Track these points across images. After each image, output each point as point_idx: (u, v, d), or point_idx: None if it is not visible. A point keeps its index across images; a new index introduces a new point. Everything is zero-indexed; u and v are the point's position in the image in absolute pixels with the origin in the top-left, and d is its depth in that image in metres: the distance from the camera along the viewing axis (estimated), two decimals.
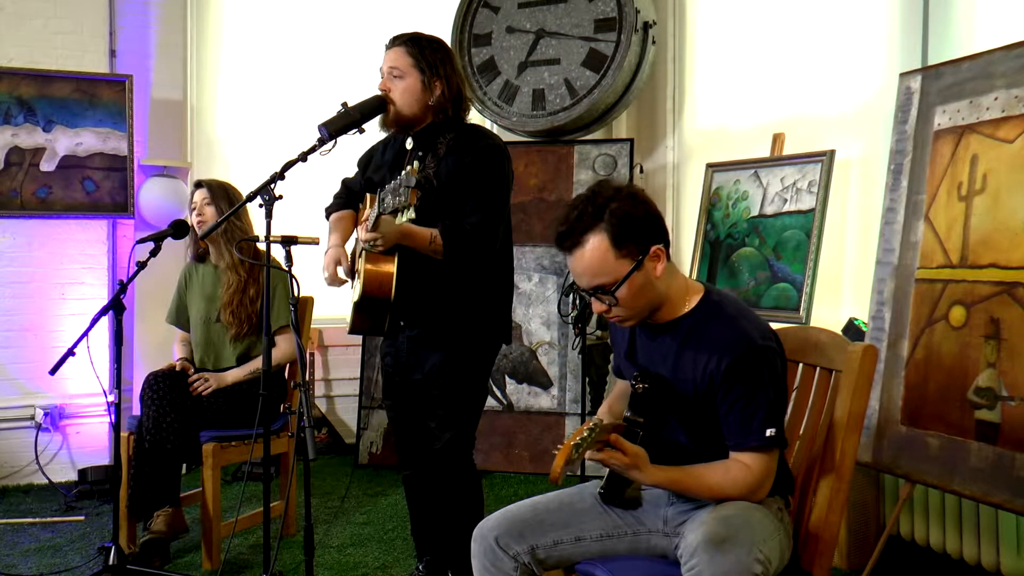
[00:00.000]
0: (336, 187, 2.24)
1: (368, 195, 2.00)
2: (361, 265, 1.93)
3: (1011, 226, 1.97)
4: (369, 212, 1.89)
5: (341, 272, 2.00)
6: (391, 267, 1.89)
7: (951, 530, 2.24)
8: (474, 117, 2.10)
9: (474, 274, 1.97)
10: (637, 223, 1.43)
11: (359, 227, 1.93)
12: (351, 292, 2.04)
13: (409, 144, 2.03)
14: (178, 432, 2.44)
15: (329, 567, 2.50)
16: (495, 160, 1.94)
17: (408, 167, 1.70)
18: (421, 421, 2.07)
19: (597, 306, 1.48)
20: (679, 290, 1.50)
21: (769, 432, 1.40)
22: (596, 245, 1.42)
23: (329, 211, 2.17)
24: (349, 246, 2.10)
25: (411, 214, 1.70)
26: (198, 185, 2.65)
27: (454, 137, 1.97)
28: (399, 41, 1.98)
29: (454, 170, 1.93)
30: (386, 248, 1.87)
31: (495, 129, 3.75)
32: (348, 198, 2.17)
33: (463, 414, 2.01)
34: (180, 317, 2.72)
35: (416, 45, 1.96)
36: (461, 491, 2.02)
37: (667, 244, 1.47)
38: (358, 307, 1.95)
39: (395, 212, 1.74)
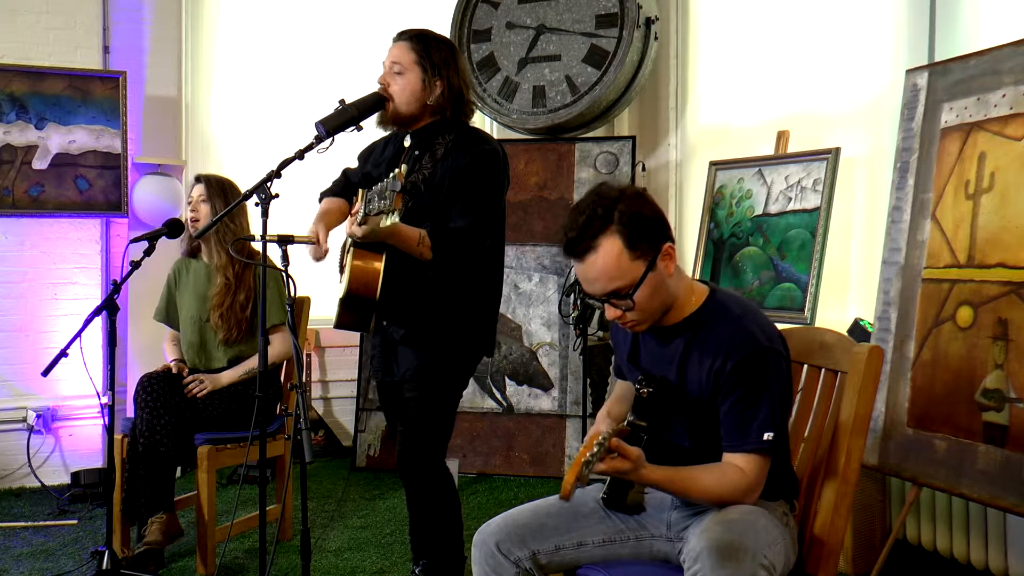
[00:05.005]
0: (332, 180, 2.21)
1: (361, 191, 1.97)
2: (348, 261, 1.90)
3: (1019, 225, 1.95)
4: (359, 207, 1.87)
5: (322, 248, 1.92)
6: (378, 265, 1.86)
7: (958, 534, 2.22)
8: (474, 115, 2.07)
9: (460, 279, 1.95)
10: (647, 222, 1.40)
11: (348, 219, 1.90)
12: (339, 287, 2.01)
13: (407, 142, 2.00)
14: (172, 434, 2.41)
15: (326, 571, 2.46)
16: (490, 165, 1.92)
17: (396, 170, 1.68)
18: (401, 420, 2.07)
19: (611, 312, 1.44)
20: (685, 291, 1.48)
21: (767, 436, 1.38)
22: (609, 249, 1.38)
23: (323, 195, 2.15)
24: (336, 241, 2.04)
25: (395, 218, 1.68)
26: (197, 180, 2.62)
27: (454, 139, 1.94)
28: (405, 36, 1.95)
29: (449, 173, 1.91)
30: (370, 239, 1.82)
31: (495, 127, 3.72)
32: (345, 188, 2.14)
33: (433, 421, 1.99)
34: (170, 314, 2.69)
35: (421, 42, 1.93)
36: (434, 497, 2.01)
37: (673, 242, 1.45)
38: (344, 303, 1.92)
39: (379, 215, 1.73)
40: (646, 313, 1.44)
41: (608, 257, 1.38)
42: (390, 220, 1.69)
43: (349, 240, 1.95)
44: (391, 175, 1.70)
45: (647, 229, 1.40)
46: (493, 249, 2.00)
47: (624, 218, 1.38)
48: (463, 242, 1.88)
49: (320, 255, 1.94)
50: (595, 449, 1.29)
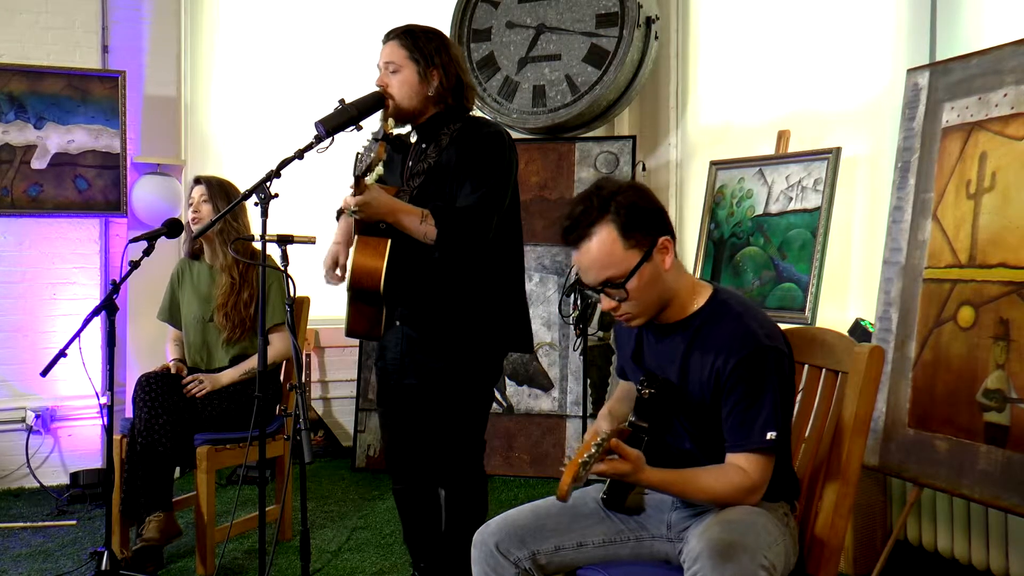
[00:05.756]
0: (333, 183, 2.20)
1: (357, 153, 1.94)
2: (352, 252, 1.87)
3: (1020, 225, 1.95)
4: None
5: (338, 272, 1.95)
6: (380, 261, 1.82)
7: (959, 535, 2.21)
8: (475, 104, 2.06)
9: (479, 273, 1.91)
10: (644, 214, 1.41)
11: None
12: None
13: (413, 137, 1.99)
14: (171, 434, 2.40)
15: (326, 572, 2.46)
16: (495, 147, 1.90)
17: (381, 124, 1.67)
18: (415, 430, 2.00)
19: (606, 302, 1.44)
20: (687, 289, 1.47)
21: (770, 435, 1.37)
22: (604, 237, 1.39)
23: (339, 212, 2.08)
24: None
25: (380, 169, 1.67)
26: (196, 181, 2.62)
27: (459, 128, 1.93)
28: (393, 35, 1.95)
29: (454, 158, 1.89)
30: (371, 216, 1.79)
31: None
32: None
33: (470, 424, 1.96)
34: (173, 314, 2.69)
35: (410, 37, 1.92)
36: (469, 500, 1.98)
37: (673, 237, 1.45)
38: (351, 301, 1.89)
39: (368, 171, 1.72)
40: (641, 305, 1.43)
41: (602, 245, 1.39)
42: (376, 172, 1.68)
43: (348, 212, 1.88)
44: (374, 130, 1.69)
45: (643, 220, 1.40)
46: (510, 238, 1.94)
47: (620, 208, 1.39)
48: (469, 219, 1.83)
49: (336, 278, 1.92)
50: (592, 450, 1.28)
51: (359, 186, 1.76)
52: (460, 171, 1.87)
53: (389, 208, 1.80)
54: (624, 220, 1.39)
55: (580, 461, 1.26)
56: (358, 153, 1.77)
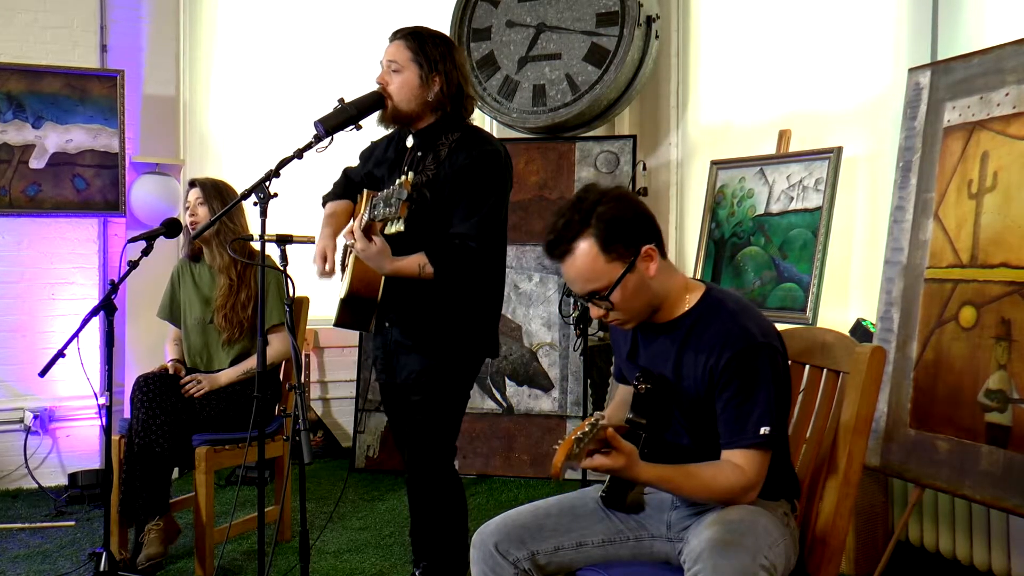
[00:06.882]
0: (332, 184, 2.20)
1: (365, 191, 1.97)
2: (350, 261, 1.92)
3: (1022, 224, 1.94)
4: (364, 212, 1.87)
5: (327, 267, 1.97)
6: (378, 275, 1.88)
7: (961, 535, 2.20)
8: (474, 114, 2.06)
9: (466, 282, 1.94)
10: (625, 225, 1.41)
11: (354, 220, 1.90)
12: (339, 285, 2.02)
13: (410, 142, 1.99)
14: (168, 435, 2.39)
15: (325, 573, 2.45)
16: (491, 166, 1.90)
17: (403, 177, 1.69)
18: (410, 424, 2.05)
19: (594, 311, 1.46)
20: (677, 289, 1.48)
21: (764, 430, 1.37)
22: (585, 251, 1.40)
23: (326, 199, 2.15)
24: (337, 240, 2.07)
25: (399, 226, 1.70)
26: (192, 184, 2.61)
27: (457, 139, 1.93)
28: (400, 34, 1.95)
29: (451, 173, 1.89)
30: (371, 266, 1.86)
31: (495, 126, 3.71)
32: (347, 188, 2.14)
33: (441, 424, 1.99)
34: (173, 311, 2.68)
35: (416, 39, 1.92)
36: (442, 500, 2.01)
37: (660, 243, 1.45)
38: (344, 303, 1.93)
39: (384, 221, 1.75)
40: (629, 312, 1.45)
41: (584, 259, 1.40)
42: (394, 228, 1.71)
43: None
44: (398, 183, 1.71)
45: (624, 232, 1.40)
46: (495, 251, 1.98)
47: (601, 221, 1.39)
48: (467, 252, 1.86)
49: (326, 273, 1.95)
50: (587, 428, 1.28)
51: (368, 230, 1.80)
52: (456, 191, 1.88)
53: (390, 271, 1.85)
54: (604, 234, 1.39)
55: (574, 438, 1.25)
56: (378, 196, 1.78)
